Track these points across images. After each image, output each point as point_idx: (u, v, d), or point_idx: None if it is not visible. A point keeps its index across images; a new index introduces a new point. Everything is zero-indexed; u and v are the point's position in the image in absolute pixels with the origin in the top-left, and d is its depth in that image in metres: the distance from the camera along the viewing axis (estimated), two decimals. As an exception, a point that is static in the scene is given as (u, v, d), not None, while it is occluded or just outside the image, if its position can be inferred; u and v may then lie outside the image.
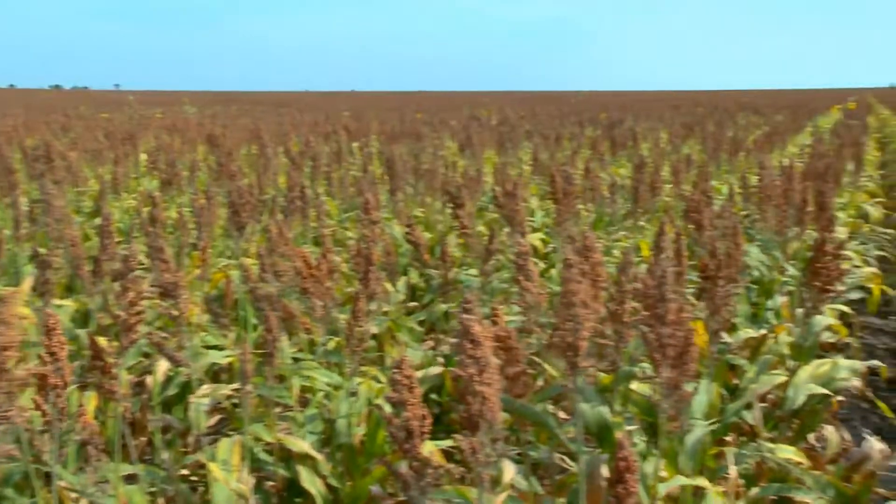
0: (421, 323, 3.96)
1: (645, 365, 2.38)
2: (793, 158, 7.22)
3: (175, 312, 2.50)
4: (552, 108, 23.44)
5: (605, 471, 2.03)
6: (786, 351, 3.08)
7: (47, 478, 1.89)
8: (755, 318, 3.72)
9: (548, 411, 2.39)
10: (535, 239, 5.28)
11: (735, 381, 3.07)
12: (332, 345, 3.08)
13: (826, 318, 3.03)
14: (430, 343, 3.86)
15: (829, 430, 2.89)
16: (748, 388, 2.77)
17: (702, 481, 2.11)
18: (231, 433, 2.72)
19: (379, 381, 2.90)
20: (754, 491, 2.30)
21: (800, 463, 2.35)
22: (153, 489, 2.43)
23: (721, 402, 2.73)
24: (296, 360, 2.93)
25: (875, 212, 6.67)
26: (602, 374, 2.40)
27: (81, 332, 3.33)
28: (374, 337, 3.42)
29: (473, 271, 4.05)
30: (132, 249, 2.23)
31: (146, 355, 3.36)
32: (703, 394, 2.40)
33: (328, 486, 2.52)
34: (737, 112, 19.26)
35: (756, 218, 4.74)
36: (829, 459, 2.73)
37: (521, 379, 1.97)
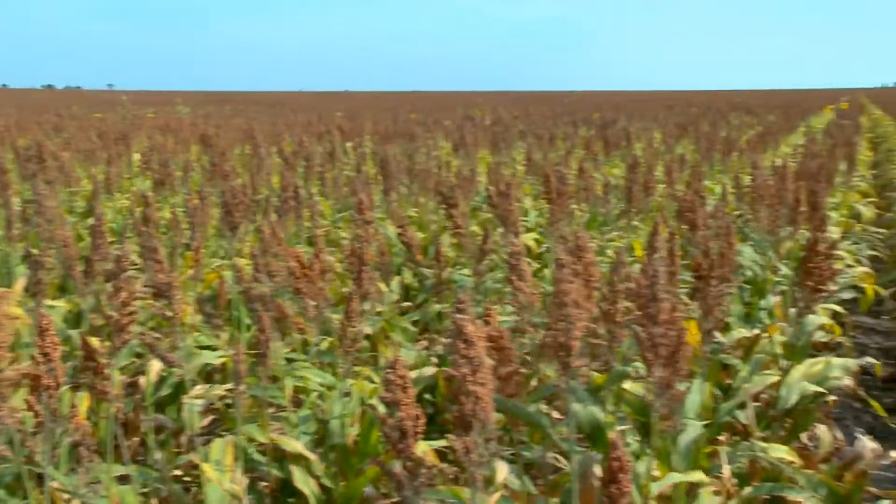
0: (415, 323, 3.96)
1: (638, 364, 2.39)
2: (786, 158, 7.25)
3: (169, 313, 2.49)
4: (546, 109, 23.46)
5: (597, 470, 2.03)
6: (779, 350, 3.09)
7: (39, 479, 1.88)
8: (748, 318, 3.73)
9: (541, 411, 2.39)
10: (528, 239, 5.28)
11: (728, 381, 3.08)
12: (325, 345, 3.07)
13: (819, 318, 3.03)
14: (424, 343, 3.86)
15: (822, 430, 2.89)
16: (741, 387, 2.78)
17: (697, 475, 2.11)
18: (224, 433, 2.72)
19: (373, 382, 2.90)
20: (747, 490, 2.31)
21: (792, 462, 2.35)
22: (146, 490, 2.42)
23: (714, 401, 2.74)
24: (289, 360, 2.93)
25: (867, 211, 6.69)
26: (595, 374, 2.40)
27: (74, 333, 3.32)
28: (367, 337, 3.42)
29: (467, 271, 4.05)
30: (124, 249, 2.23)
31: (139, 356, 3.35)
32: (696, 393, 2.40)
33: (321, 487, 2.52)
34: (730, 112, 19.31)
35: (749, 218, 4.75)
36: (821, 458, 2.74)
37: (513, 379, 1.98)
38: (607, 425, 2.22)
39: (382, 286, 3.73)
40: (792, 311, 2.95)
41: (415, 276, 4.56)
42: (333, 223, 5.69)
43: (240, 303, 3.16)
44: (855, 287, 4.62)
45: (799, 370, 2.81)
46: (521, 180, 7.12)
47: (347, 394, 2.67)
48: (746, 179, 5.57)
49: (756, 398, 2.94)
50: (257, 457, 2.58)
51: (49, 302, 3.51)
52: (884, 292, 4.85)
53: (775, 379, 2.81)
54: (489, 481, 2.10)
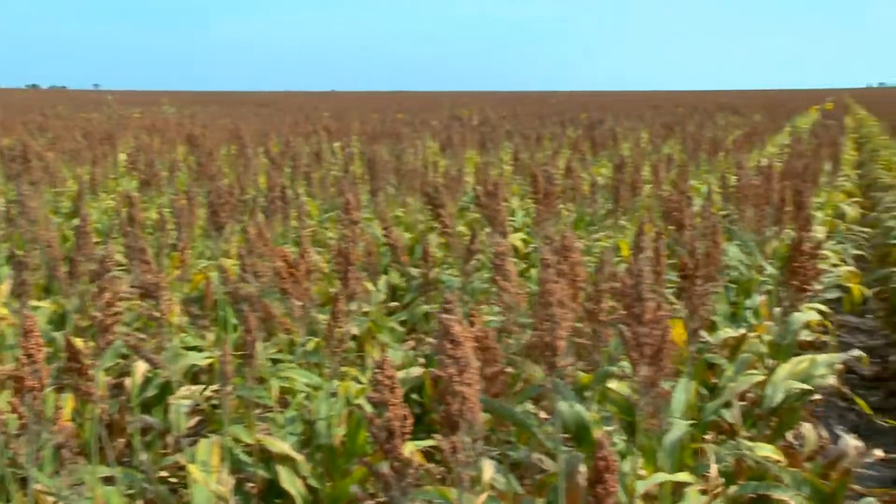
0: (402, 323, 3.95)
1: (624, 364, 2.39)
2: (771, 158, 7.28)
3: (156, 314, 2.48)
4: (533, 109, 23.49)
5: (583, 469, 2.04)
6: (764, 349, 3.10)
7: (23, 481, 1.87)
8: (734, 317, 3.74)
9: (528, 411, 2.40)
10: (516, 239, 5.29)
11: (714, 380, 3.09)
12: (311, 345, 3.07)
13: (804, 315, 3.05)
14: (411, 343, 3.85)
15: (807, 428, 2.91)
16: (727, 386, 2.79)
17: (683, 476, 2.12)
18: (211, 434, 2.70)
19: (359, 382, 2.90)
20: (733, 489, 2.32)
21: (778, 461, 2.37)
22: (132, 491, 2.41)
23: (700, 400, 2.74)
24: (275, 361, 2.92)
25: (852, 211, 6.73)
26: (581, 374, 2.41)
27: (58, 335, 3.30)
28: (354, 337, 3.41)
29: (454, 271, 4.04)
30: (108, 250, 2.22)
31: (124, 357, 3.34)
32: (682, 392, 2.41)
33: (308, 487, 2.51)
34: (716, 112, 19.38)
35: (735, 217, 4.77)
36: (806, 457, 2.75)
37: (499, 379, 1.98)
38: (593, 425, 2.22)
39: (369, 286, 3.73)
40: (777, 310, 2.96)
41: (402, 276, 4.55)
42: (320, 223, 5.67)
43: (226, 303, 3.15)
44: (840, 286, 4.65)
45: (784, 369, 2.83)
46: (508, 180, 7.13)
47: (334, 394, 2.66)
48: (732, 179, 5.60)
49: (742, 397, 2.96)
50: (244, 457, 2.57)
51: (34, 303, 3.49)
52: (868, 292, 4.88)
53: (761, 378, 2.82)
54: (476, 481, 2.10)
